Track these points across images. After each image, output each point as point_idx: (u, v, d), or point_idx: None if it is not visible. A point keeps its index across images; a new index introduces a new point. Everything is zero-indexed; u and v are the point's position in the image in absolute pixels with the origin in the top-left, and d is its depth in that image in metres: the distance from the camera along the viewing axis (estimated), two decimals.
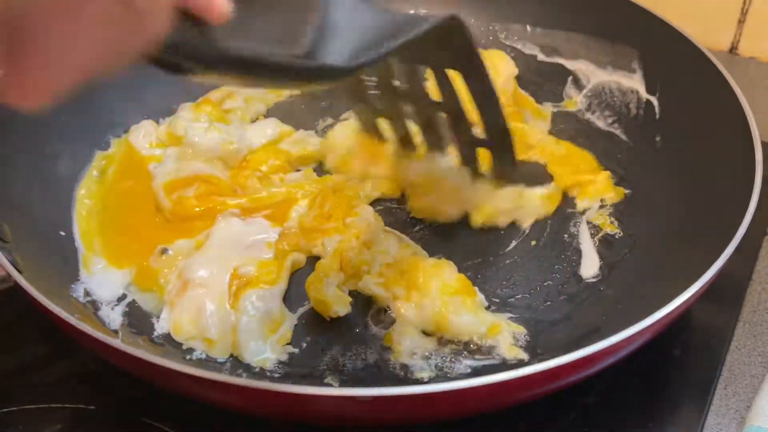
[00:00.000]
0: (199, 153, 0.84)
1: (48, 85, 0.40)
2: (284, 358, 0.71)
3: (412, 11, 1.02)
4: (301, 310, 0.75)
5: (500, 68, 0.92)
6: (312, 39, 0.54)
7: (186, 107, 0.91)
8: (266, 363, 0.71)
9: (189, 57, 0.48)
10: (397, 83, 0.75)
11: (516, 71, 0.93)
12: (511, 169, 0.76)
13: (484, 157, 0.76)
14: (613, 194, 0.84)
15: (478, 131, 0.73)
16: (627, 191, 0.85)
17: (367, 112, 0.81)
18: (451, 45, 0.66)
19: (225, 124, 0.88)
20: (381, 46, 0.58)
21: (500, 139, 0.73)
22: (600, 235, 0.81)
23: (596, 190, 0.85)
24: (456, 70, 0.69)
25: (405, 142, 0.81)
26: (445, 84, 0.71)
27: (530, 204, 0.82)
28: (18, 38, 0.38)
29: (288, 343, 0.72)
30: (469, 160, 0.77)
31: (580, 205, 0.84)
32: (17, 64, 0.39)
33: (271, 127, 0.90)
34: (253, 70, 0.51)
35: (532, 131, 0.88)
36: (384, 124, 0.81)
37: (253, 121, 0.93)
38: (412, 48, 0.60)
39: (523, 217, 0.82)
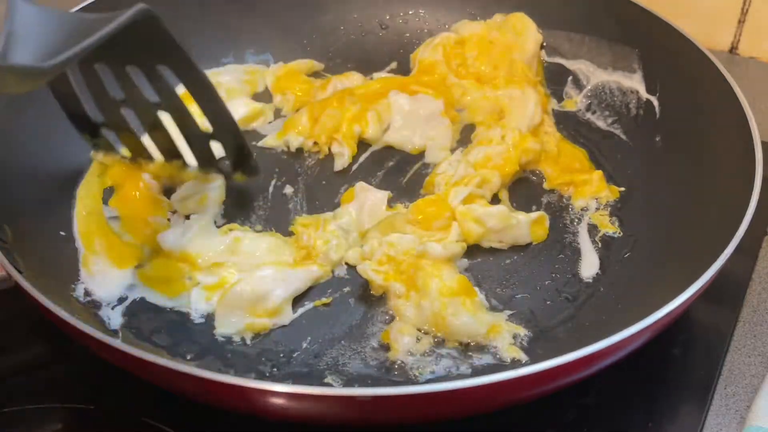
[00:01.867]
0: None
1: None
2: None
3: (411, 11, 1.02)
4: (301, 311, 0.75)
5: (525, 33, 0.93)
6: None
7: None
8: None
9: None
10: (112, 91, 0.73)
11: (541, 38, 0.94)
12: (247, 158, 0.79)
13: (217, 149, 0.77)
14: (607, 193, 0.84)
15: (205, 125, 0.75)
16: (622, 189, 0.85)
17: (91, 129, 0.78)
18: (151, 40, 0.65)
19: None
20: (73, 45, 0.57)
21: (227, 130, 0.75)
22: (600, 235, 0.81)
23: (591, 190, 0.85)
24: (164, 65, 0.68)
25: (139, 151, 0.79)
26: (157, 82, 0.70)
27: (518, 231, 0.80)
28: None
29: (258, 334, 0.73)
30: (206, 158, 0.78)
31: (578, 204, 0.84)
32: None
33: (242, 106, 0.91)
34: None
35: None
36: (113, 137, 0.79)
37: None
38: (110, 47, 0.60)
39: (511, 240, 0.81)
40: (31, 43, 0.56)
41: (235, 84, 0.95)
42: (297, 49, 0.99)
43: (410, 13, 1.02)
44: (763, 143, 0.73)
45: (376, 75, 0.97)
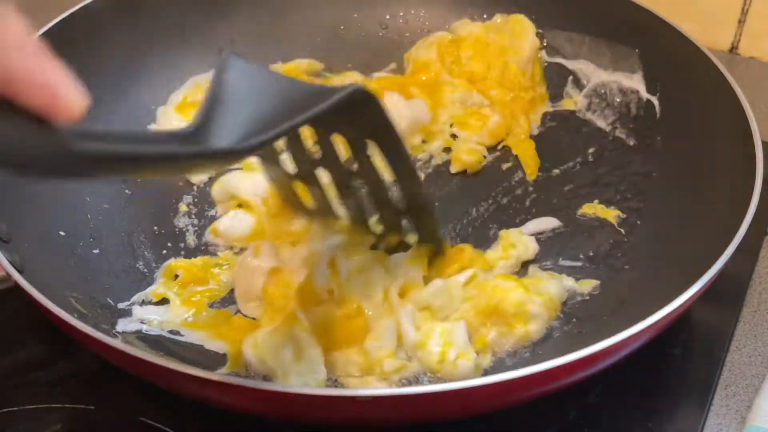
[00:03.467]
0: None
1: None
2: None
3: (411, 11, 1.02)
4: None
5: (522, 37, 0.93)
6: (200, 112, 0.48)
7: (166, 112, 0.91)
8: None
9: (26, 164, 0.36)
10: (309, 147, 0.69)
11: (538, 43, 0.94)
12: (436, 240, 0.74)
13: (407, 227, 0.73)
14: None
15: (400, 202, 0.70)
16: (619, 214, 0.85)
17: (281, 177, 0.74)
18: (362, 116, 0.61)
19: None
20: (281, 123, 0.51)
21: (421, 211, 0.71)
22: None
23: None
24: (371, 139, 0.65)
25: (325, 210, 0.75)
26: (359, 153, 0.66)
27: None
28: None
29: None
30: (392, 228, 0.74)
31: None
32: None
33: None
34: (128, 167, 0.43)
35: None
36: (301, 190, 0.75)
37: None
38: (317, 120, 0.55)
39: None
40: (234, 115, 0.49)
41: None
42: (297, 49, 0.99)
43: (411, 13, 1.02)
44: (763, 143, 0.73)
45: (376, 75, 0.97)
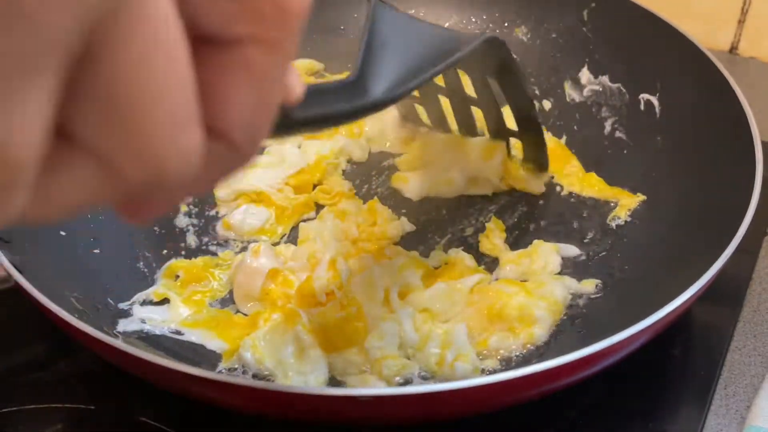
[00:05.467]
0: None
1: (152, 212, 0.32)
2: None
3: (411, 11, 1.02)
4: None
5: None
6: (359, 60, 0.53)
7: None
8: None
9: None
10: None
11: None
12: (542, 158, 0.85)
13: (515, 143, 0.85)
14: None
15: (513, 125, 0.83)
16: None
17: (406, 102, 0.87)
18: (491, 59, 0.73)
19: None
20: (427, 70, 0.58)
21: (533, 137, 0.83)
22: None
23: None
24: (493, 78, 0.77)
25: (441, 125, 0.88)
26: (481, 87, 0.79)
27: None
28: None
29: None
30: (499, 136, 0.85)
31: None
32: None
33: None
34: (314, 126, 0.50)
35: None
36: (421, 110, 0.88)
37: None
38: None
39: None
40: (386, 64, 0.54)
41: None
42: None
43: (410, 12, 1.02)
44: (763, 143, 0.73)
45: None
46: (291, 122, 0.43)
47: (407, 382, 0.69)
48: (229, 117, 0.30)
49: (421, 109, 0.88)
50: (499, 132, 0.84)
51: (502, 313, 0.71)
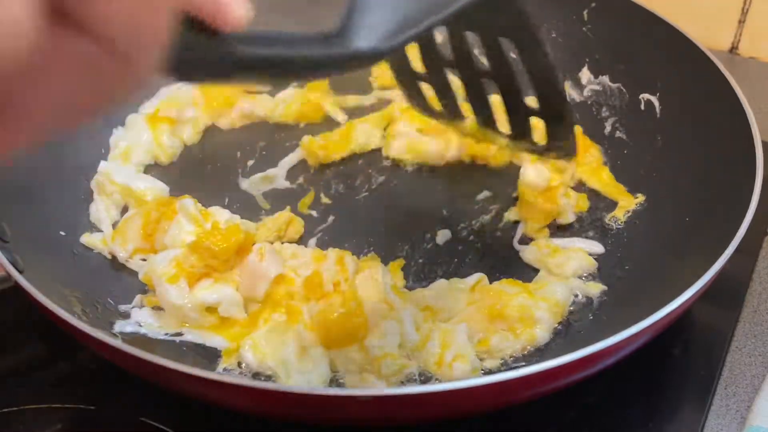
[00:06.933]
0: None
1: (18, 138, 0.30)
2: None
3: None
4: None
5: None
6: (343, 11, 0.49)
7: (136, 120, 0.90)
8: None
9: (198, 69, 0.41)
10: (440, 48, 0.70)
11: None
12: (568, 141, 0.72)
13: (537, 127, 0.72)
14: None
15: (531, 101, 0.69)
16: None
17: (411, 80, 0.75)
18: (501, 12, 0.62)
19: None
20: (423, 20, 0.51)
21: (556, 110, 0.69)
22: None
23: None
24: (507, 38, 0.64)
25: (452, 112, 0.76)
26: (494, 51, 0.66)
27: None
28: None
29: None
30: (521, 132, 0.73)
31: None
32: None
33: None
34: (278, 70, 0.45)
35: None
36: (430, 92, 0.76)
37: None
38: (457, 17, 0.54)
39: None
40: (375, 14, 0.49)
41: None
42: None
43: None
44: (763, 143, 0.73)
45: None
46: (236, 58, 0.40)
47: (407, 381, 0.69)
48: (95, 6, 0.26)
49: (429, 92, 0.77)
50: (518, 109, 0.71)
51: (503, 314, 0.71)
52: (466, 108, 0.75)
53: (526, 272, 0.79)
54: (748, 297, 0.80)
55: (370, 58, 0.48)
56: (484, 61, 0.68)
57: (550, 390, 0.63)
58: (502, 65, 0.67)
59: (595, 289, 0.76)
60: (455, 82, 0.73)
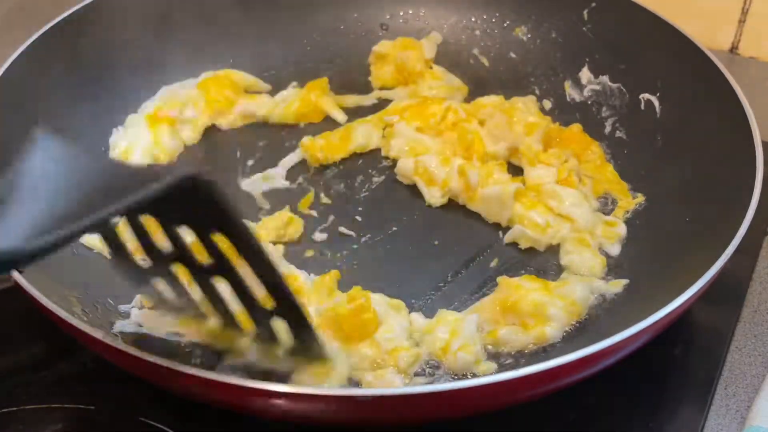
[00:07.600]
0: None
1: None
2: None
3: (411, 11, 1.02)
4: None
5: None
6: None
7: (136, 120, 0.90)
8: None
9: None
10: (159, 242, 0.61)
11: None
12: (309, 340, 0.65)
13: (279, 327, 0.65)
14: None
15: (266, 301, 0.63)
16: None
17: (137, 275, 0.66)
18: (199, 205, 0.55)
19: None
20: (86, 215, 0.46)
21: (287, 306, 0.63)
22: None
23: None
24: (217, 231, 0.58)
25: (191, 309, 0.67)
26: (210, 245, 0.59)
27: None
28: None
29: None
30: (263, 332, 0.65)
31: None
32: None
33: None
34: None
35: None
36: (162, 287, 0.66)
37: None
38: (152, 205, 0.50)
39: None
40: (29, 203, 0.44)
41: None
42: (297, 49, 0.99)
43: (410, 13, 1.02)
44: (763, 143, 0.73)
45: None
46: None
47: (423, 372, 0.69)
48: None
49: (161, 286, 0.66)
50: (255, 311, 0.63)
51: (516, 307, 0.71)
52: (206, 307, 0.66)
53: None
54: (748, 297, 0.80)
55: (11, 261, 0.44)
56: (206, 256, 0.61)
57: (550, 390, 0.63)
58: (223, 260, 0.60)
59: (617, 286, 0.76)
60: (186, 276, 0.64)
